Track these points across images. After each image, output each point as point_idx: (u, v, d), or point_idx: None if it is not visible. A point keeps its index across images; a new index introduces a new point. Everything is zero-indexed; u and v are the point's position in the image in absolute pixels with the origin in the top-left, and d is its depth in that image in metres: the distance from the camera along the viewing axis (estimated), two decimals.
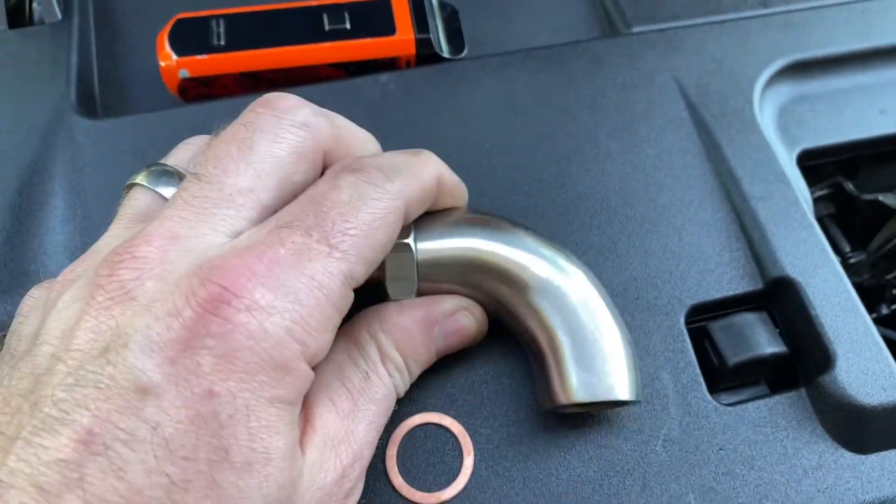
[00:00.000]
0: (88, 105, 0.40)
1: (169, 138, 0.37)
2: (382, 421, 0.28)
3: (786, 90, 0.41)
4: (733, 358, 0.32)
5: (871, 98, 0.41)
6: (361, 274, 0.25)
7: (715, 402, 0.32)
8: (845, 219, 0.43)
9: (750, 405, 0.32)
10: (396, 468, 0.31)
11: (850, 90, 0.41)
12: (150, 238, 0.23)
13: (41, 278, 0.33)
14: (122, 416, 0.21)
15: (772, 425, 0.32)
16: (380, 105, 0.39)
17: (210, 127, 0.37)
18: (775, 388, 0.34)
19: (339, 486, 0.26)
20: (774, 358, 0.33)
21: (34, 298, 0.27)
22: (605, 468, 0.31)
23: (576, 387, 0.29)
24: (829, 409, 0.32)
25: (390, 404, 0.29)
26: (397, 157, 0.28)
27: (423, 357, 0.30)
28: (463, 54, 0.41)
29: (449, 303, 0.30)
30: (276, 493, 0.23)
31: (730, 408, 0.32)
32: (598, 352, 0.29)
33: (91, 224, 0.35)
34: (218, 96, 0.40)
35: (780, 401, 0.32)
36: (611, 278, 0.34)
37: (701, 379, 0.33)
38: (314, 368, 0.24)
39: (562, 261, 0.30)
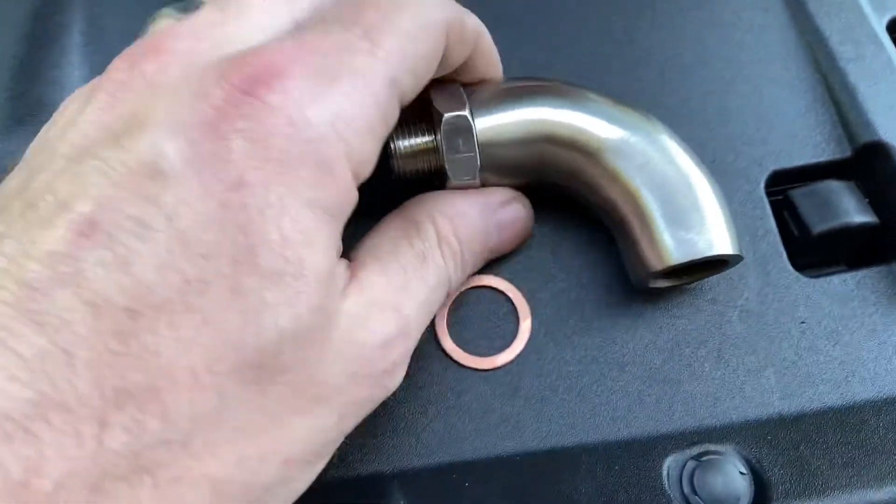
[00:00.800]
0: None
1: None
2: (433, 308, 0.25)
3: None
4: (818, 226, 0.29)
5: None
6: (408, 85, 0.22)
7: (796, 273, 0.29)
8: None
9: (835, 278, 0.29)
10: (447, 331, 0.28)
11: None
12: (177, 34, 0.20)
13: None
14: (131, 204, 0.17)
15: (859, 299, 0.29)
16: None
17: None
18: (861, 264, 0.31)
19: (381, 354, 0.22)
20: (863, 228, 0.30)
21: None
22: (675, 337, 0.28)
23: (671, 247, 0.25)
24: None
25: (441, 295, 0.25)
26: None
27: (478, 248, 0.27)
28: None
29: (506, 191, 0.28)
30: (308, 318, 0.19)
31: (813, 279, 0.29)
32: (690, 206, 0.26)
33: (109, 56, 0.31)
34: None
35: (868, 274, 0.29)
36: (685, 139, 0.31)
37: (781, 248, 0.30)
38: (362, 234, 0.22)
39: (636, 119, 0.27)
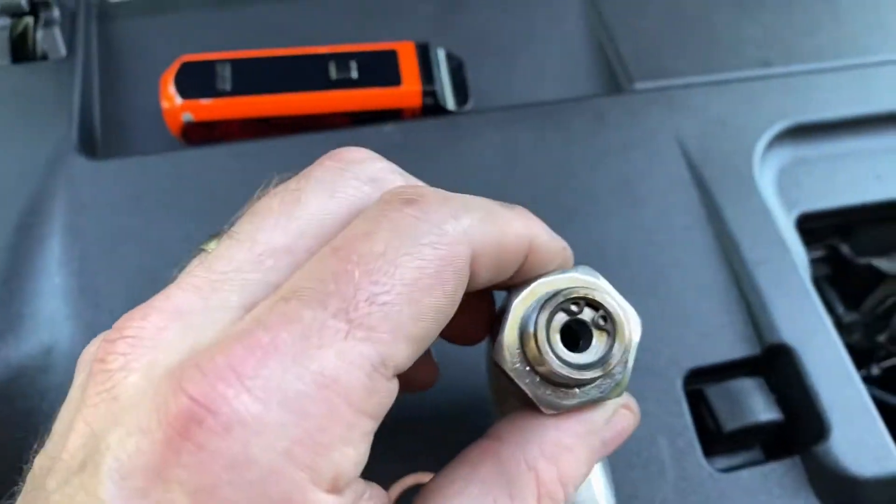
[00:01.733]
0: (89, 145, 0.40)
1: (170, 180, 0.37)
2: None
3: (786, 153, 0.41)
4: (730, 424, 0.33)
5: (867, 163, 0.41)
6: (405, 356, 0.18)
7: (710, 468, 0.32)
8: (840, 279, 0.43)
9: (745, 472, 0.32)
10: None
11: (847, 154, 0.42)
12: (148, 312, 0.19)
13: (36, 322, 0.33)
14: None
15: (766, 493, 0.32)
16: (383, 155, 0.38)
17: (212, 171, 0.38)
18: (770, 451, 0.34)
19: None
20: (770, 425, 0.33)
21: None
22: None
23: None
24: (823, 478, 0.32)
25: None
26: (477, 200, 0.21)
27: (581, 479, 0.23)
28: (467, 106, 0.41)
29: (609, 404, 0.23)
30: None
31: (725, 474, 0.32)
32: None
33: (87, 267, 0.34)
34: (221, 139, 0.40)
35: (775, 468, 0.33)
36: None
37: (697, 444, 0.33)
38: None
39: None
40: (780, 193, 0.40)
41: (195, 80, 0.38)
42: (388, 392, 0.19)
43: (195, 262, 0.21)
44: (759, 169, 0.39)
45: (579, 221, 0.37)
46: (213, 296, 0.19)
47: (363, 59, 0.39)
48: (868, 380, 0.45)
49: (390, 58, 0.39)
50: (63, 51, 0.42)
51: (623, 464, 0.32)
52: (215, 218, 0.37)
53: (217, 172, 0.38)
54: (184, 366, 0.18)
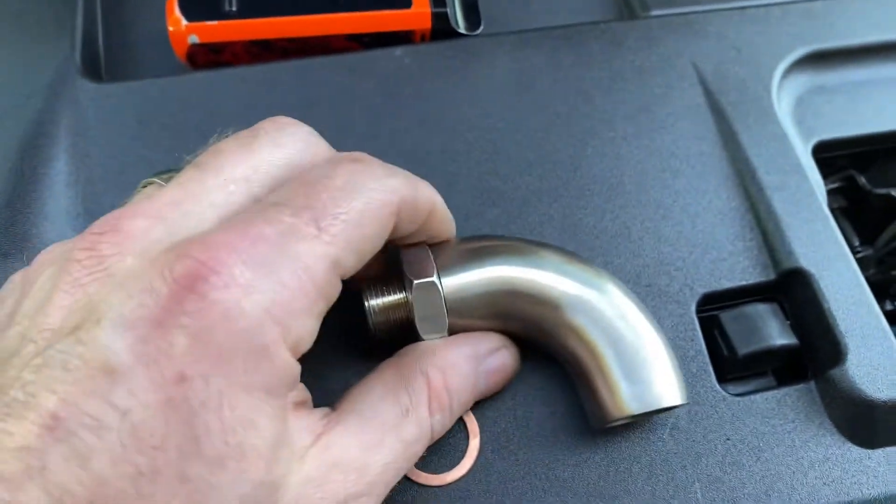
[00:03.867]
0: (93, 68, 0.39)
1: (176, 104, 0.36)
2: (406, 464, 0.26)
3: (804, 80, 0.40)
4: (743, 348, 0.32)
5: (889, 91, 0.40)
6: (351, 264, 0.24)
7: (723, 392, 0.32)
8: (855, 213, 0.43)
9: (758, 396, 0.32)
10: None
11: (868, 82, 0.41)
12: (135, 214, 0.23)
13: (43, 243, 0.32)
14: (89, 400, 0.19)
15: (780, 417, 0.32)
16: (393, 79, 0.38)
17: (217, 96, 0.37)
18: (783, 380, 0.34)
19: None
20: (784, 350, 0.33)
21: (14, 283, 0.25)
22: (611, 454, 0.31)
23: (627, 400, 0.28)
24: (837, 402, 0.32)
25: (420, 449, 0.27)
26: (400, 168, 0.27)
27: (466, 397, 0.29)
28: (479, 31, 0.40)
29: (493, 339, 0.30)
30: (253, 492, 0.21)
31: (738, 398, 0.32)
32: (642, 361, 0.29)
33: (94, 190, 0.34)
34: (227, 64, 0.39)
35: (789, 393, 0.32)
36: (623, 264, 0.34)
37: (710, 368, 0.32)
38: (303, 366, 0.23)
39: (591, 275, 0.30)
40: (797, 122, 0.39)
41: (201, 2, 0.37)
42: (338, 287, 0.24)
43: (167, 183, 0.25)
44: (776, 96, 0.39)
45: (594, 146, 0.37)
46: (191, 207, 0.23)
47: None
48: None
49: None
50: None
51: None
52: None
53: (223, 96, 0.37)
54: (185, 242, 0.22)
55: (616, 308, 0.29)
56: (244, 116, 0.36)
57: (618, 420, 0.29)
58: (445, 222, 0.30)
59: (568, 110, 0.37)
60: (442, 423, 0.28)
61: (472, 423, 0.31)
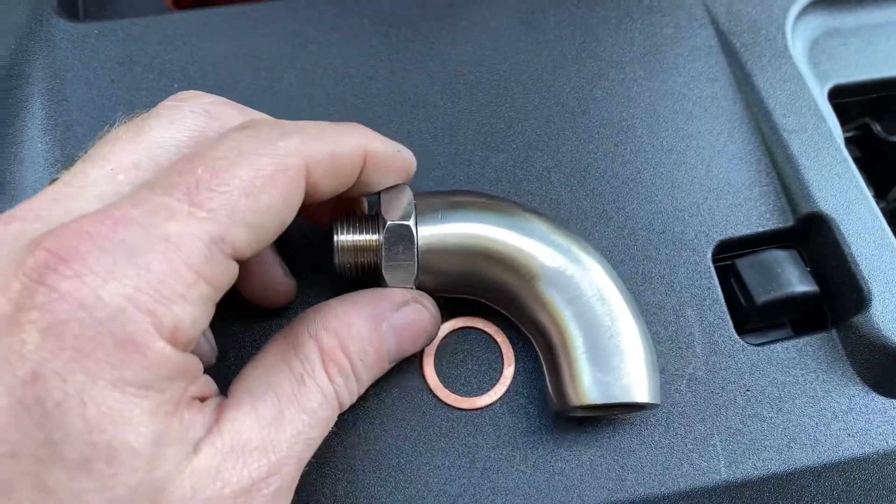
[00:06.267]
0: (70, 6, 0.36)
1: (159, 45, 0.34)
2: (316, 433, 0.24)
3: (819, 22, 0.38)
4: (762, 296, 0.31)
5: None
6: (242, 239, 0.21)
7: (742, 342, 0.31)
8: (870, 163, 0.41)
9: (778, 346, 0.31)
10: (434, 368, 0.30)
11: (883, 25, 0.39)
12: (12, 217, 0.21)
13: (19, 191, 0.30)
14: None
15: (801, 367, 0.30)
16: (389, 17, 0.36)
17: (203, 36, 0.35)
18: (800, 332, 0.33)
19: (244, 500, 0.21)
20: (805, 297, 0.31)
21: None
22: None
23: (588, 387, 0.26)
24: (861, 350, 0.30)
25: (329, 414, 0.24)
26: (311, 123, 0.25)
27: (373, 358, 0.26)
28: None
29: (397, 294, 0.27)
30: (130, 495, 0.19)
31: (757, 347, 0.31)
32: (614, 349, 0.27)
33: (73, 135, 0.32)
34: (210, 4, 0.37)
35: (810, 342, 0.31)
36: (635, 210, 0.32)
37: (728, 317, 0.31)
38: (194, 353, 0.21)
39: (575, 249, 0.28)
40: (812, 65, 0.38)
41: None
42: (227, 268, 0.21)
43: (52, 182, 0.23)
44: (791, 38, 0.37)
45: (603, 88, 0.35)
46: (72, 203, 0.22)
47: None
48: None
49: None
50: None
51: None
52: (205, 83, 0.34)
53: (209, 37, 0.35)
54: (43, 234, 0.20)
55: (596, 288, 0.27)
56: (231, 58, 0.34)
57: (578, 408, 0.27)
58: (393, 168, 0.27)
59: (575, 51, 0.36)
60: (348, 388, 0.25)
61: (509, 351, 0.30)
